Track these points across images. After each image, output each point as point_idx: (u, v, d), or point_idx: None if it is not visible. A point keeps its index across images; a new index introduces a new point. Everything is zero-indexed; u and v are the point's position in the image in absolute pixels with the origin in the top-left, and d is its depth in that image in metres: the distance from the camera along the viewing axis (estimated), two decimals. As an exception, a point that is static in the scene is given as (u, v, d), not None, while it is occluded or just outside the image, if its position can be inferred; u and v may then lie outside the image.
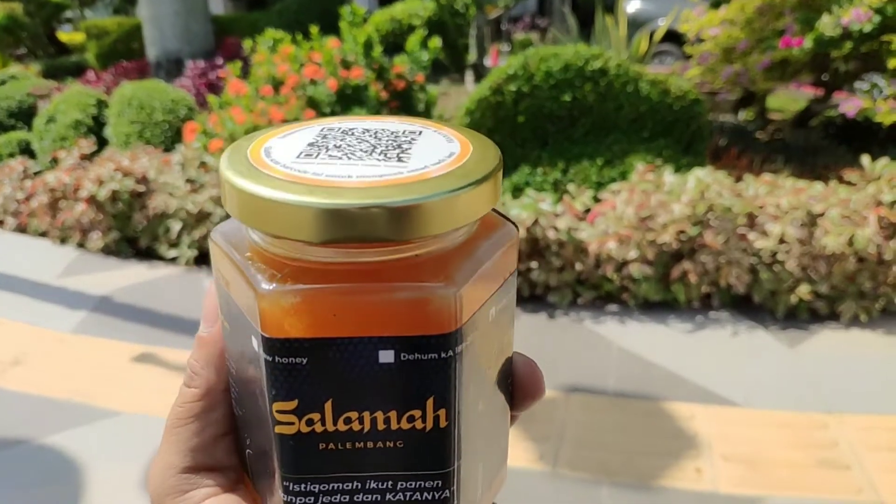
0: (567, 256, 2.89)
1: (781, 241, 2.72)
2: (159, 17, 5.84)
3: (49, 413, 2.38)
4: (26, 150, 5.38)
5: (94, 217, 3.86)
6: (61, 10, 14.22)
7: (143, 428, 2.27)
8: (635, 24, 8.78)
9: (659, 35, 5.76)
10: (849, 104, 3.58)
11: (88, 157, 4.26)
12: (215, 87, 5.20)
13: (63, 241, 4.10)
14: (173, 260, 3.63)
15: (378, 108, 3.87)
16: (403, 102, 4.07)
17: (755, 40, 4.03)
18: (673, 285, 2.81)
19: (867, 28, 3.52)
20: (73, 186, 3.95)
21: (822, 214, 2.77)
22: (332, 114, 3.81)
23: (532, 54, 3.40)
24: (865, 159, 2.94)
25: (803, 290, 2.72)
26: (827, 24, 3.64)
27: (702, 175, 2.81)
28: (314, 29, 4.05)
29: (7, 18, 12.79)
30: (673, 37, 5.90)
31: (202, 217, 3.49)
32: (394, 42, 5.53)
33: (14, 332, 3.04)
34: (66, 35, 16.68)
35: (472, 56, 6.67)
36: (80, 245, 3.99)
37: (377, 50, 4.03)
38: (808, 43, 3.66)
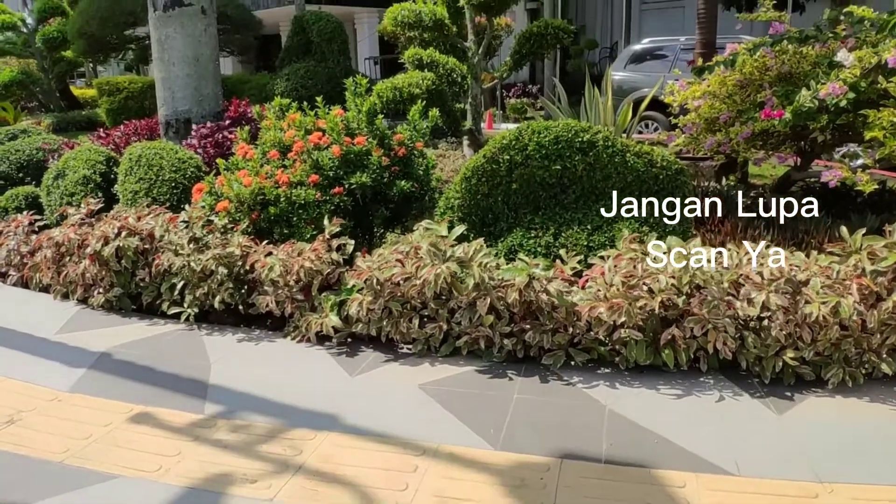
0: (559, 319, 2.97)
1: (766, 308, 2.80)
2: (171, 79, 6.06)
3: (42, 476, 2.37)
4: (34, 204, 5.52)
5: (97, 273, 3.95)
6: (76, 66, 14.72)
7: (140, 493, 2.26)
8: (621, 91, 9.15)
9: (644, 105, 6.01)
10: (829, 174, 3.72)
11: (96, 214, 4.38)
12: (222, 148, 5.37)
13: (65, 296, 4.18)
14: (174, 317, 3.71)
15: (380, 173, 4.01)
16: (404, 167, 4.22)
17: (736, 112, 4.21)
18: (663, 350, 2.89)
19: (843, 102, 3.69)
20: (79, 242, 4.06)
21: (806, 283, 2.87)
22: (335, 178, 3.94)
23: (525, 127, 3.56)
24: (845, 232, 3.04)
25: (789, 356, 2.79)
26: (805, 97, 3.81)
27: (686, 244, 2.92)
28: (320, 100, 4.23)
29: (22, 74, 13.21)
30: (658, 103, 6.16)
31: (205, 276, 3.58)
32: (395, 108, 5.75)
33: (9, 390, 3.06)
34: (78, 90, 17.19)
35: (468, 122, 6.90)
36: (82, 301, 4.07)
37: (380, 118, 4.21)
38: (787, 115, 3.83)
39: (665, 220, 3.41)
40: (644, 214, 3.39)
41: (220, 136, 5.49)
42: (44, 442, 2.60)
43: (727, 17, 12.10)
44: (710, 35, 6.19)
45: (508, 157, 3.60)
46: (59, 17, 14.31)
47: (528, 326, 2.98)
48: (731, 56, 4.12)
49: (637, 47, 10.24)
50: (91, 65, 15.61)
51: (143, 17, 10.33)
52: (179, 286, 3.69)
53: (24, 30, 13.86)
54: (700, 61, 4.73)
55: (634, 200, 3.42)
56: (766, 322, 2.83)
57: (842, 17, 4.08)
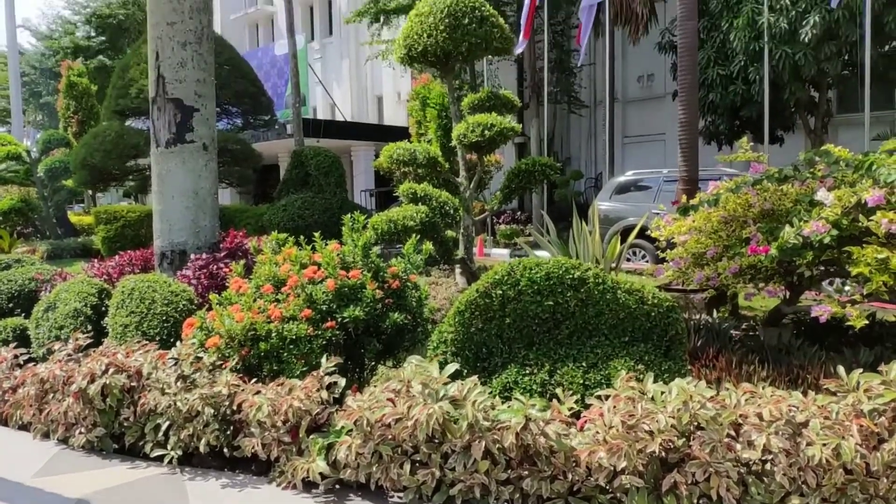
0: (558, 465, 2.87)
1: (767, 451, 2.73)
2: (169, 211, 6.19)
3: None
4: (21, 337, 5.44)
5: (81, 411, 3.83)
6: (75, 195, 15.13)
7: None
8: (608, 220, 9.46)
9: (632, 236, 6.19)
10: (819, 309, 3.75)
11: (84, 349, 4.32)
12: (217, 279, 5.40)
13: (45, 435, 4.03)
14: (157, 459, 3.55)
15: (373, 306, 4.03)
16: (397, 299, 4.25)
17: (723, 247, 4.32)
18: (665, 497, 2.77)
19: (826, 239, 3.79)
20: (64, 379, 3.96)
21: (805, 424, 2.82)
22: (328, 312, 3.94)
23: (516, 263, 3.63)
24: (842, 371, 3.03)
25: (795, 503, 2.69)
26: (789, 234, 3.92)
27: (684, 385, 2.89)
28: (318, 235, 4.32)
29: (21, 202, 13.51)
30: (645, 231, 6.35)
31: (191, 416, 3.48)
32: (390, 239, 5.87)
33: (-28, 546, 2.88)
34: (76, 216, 17.53)
35: (460, 251, 7.04)
36: (63, 440, 3.92)
37: (374, 251, 4.28)
38: (773, 251, 3.92)
39: (660, 356, 3.40)
40: (638, 351, 3.38)
41: (215, 267, 5.54)
42: None
43: (709, 150, 12.75)
44: (693, 171, 6.49)
45: (501, 292, 3.63)
46: (63, 147, 14.87)
47: (525, 473, 2.88)
48: (714, 195, 4.29)
49: (622, 179, 10.69)
50: (90, 192, 16.03)
51: (146, 150, 10.77)
52: (164, 427, 3.57)
53: (28, 160, 14.34)
54: (684, 198, 4.92)
55: (627, 336, 3.43)
56: (768, 466, 2.75)
57: (818, 158, 4.28)
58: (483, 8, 6.88)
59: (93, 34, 33.50)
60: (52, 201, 14.09)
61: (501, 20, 7.08)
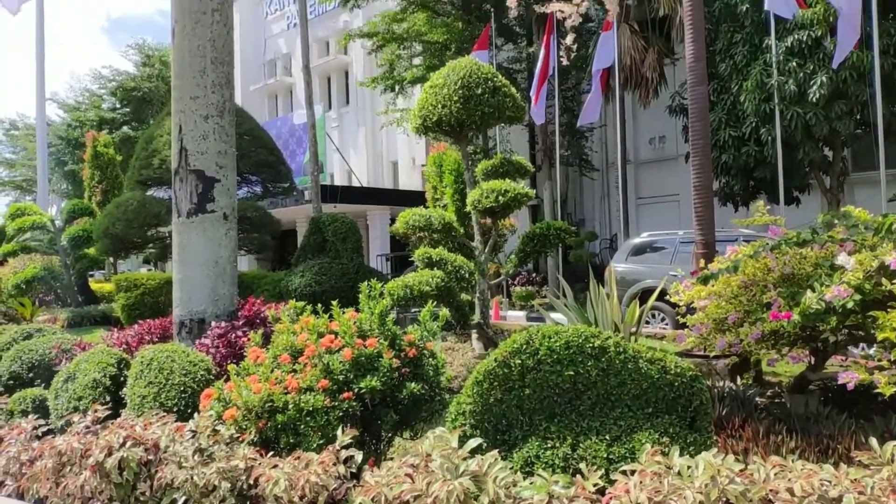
0: (582, 545, 2.78)
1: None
2: (188, 280, 6.28)
3: None
4: (40, 408, 5.45)
5: (97, 486, 3.79)
6: (97, 263, 15.37)
7: None
8: (624, 283, 9.42)
9: (651, 301, 6.14)
10: (846, 376, 3.66)
11: (102, 421, 4.31)
12: (235, 347, 5.42)
13: (60, 511, 3.98)
14: (172, 537, 3.49)
15: (390, 375, 4.00)
16: (414, 368, 4.21)
17: (744, 312, 4.27)
18: (696, 579, 2.66)
19: (850, 304, 3.74)
20: (82, 452, 3.94)
21: (839, 499, 2.71)
22: (345, 382, 3.92)
23: (535, 331, 3.61)
24: (875, 444, 2.94)
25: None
26: (811, 299, 3.86)
27: (711, 459, 2.82)
28: (336, 303, 4.34)
29: (44, 270, 13.74)
30: (664, 293, 6.30)
31: (207, 491, 3.43)
32: (405, 305, 5.89)
33: None
34: (96, 283, 17.75)
35: (476, 315, 7.02)
36: (77, 516, 3.87)
37: (391, 319, 4.29)
38: (796, 317, 3.87)
39: (685, 428, 3.32)
40: (663, 423, 3.30)
41: (234, 336, 5.57)
42: None
43: (725, 210, 12.73)
44: (709, 235, 6.47)
45: (520, 362, 3.59)
46: (86, 216, 15.21)
47: (550, 554, 2.78)
48: (733, 263, 4.27)
49: (637, 241, 10.68)
50: (111, 259, 16.28)
51: (167, 219, 10.97)
52: (181, 502, 3.51)
53: (52, 229, 14.66)
54: (702, 262, 4.90)
55: (651, 408, 3.37)
56: (805, 545, 2.63)
57: (836, 221, 4.26)
58: (496, 79, 7.09)
59: (118, 106, 34.83)
60: (75, 269, 14.31)
61: (513, 90, 7.27)
